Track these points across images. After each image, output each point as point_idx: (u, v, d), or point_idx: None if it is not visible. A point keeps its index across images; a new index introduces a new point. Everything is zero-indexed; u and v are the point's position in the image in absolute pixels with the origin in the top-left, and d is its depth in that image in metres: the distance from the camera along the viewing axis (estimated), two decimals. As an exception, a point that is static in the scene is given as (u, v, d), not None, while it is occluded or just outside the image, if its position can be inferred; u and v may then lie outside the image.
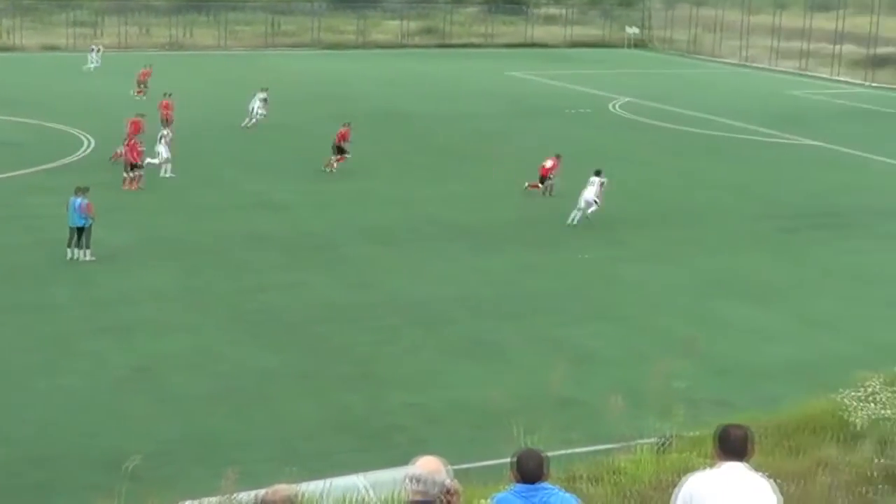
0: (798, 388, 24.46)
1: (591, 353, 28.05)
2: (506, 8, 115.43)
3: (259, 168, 48.39)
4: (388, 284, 32.93)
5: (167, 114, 54.67)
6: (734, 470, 8.95)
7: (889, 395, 17.30)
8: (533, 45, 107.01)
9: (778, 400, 23.31)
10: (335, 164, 47.55)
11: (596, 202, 40.40)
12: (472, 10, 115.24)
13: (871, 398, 17.12)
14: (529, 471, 8.96)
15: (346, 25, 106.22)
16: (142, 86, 67.39)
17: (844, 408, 17.12)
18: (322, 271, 34.18)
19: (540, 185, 44.72)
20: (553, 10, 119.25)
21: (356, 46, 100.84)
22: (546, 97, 72.05)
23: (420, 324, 29.76)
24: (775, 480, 13.95)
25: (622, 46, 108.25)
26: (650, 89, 76.74)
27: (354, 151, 48.71)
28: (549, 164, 45.19)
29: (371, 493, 16.39)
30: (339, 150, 48.02)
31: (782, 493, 13.58)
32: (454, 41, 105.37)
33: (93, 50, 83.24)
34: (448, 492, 8.27)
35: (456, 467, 17.30)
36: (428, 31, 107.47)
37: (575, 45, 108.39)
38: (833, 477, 14.47)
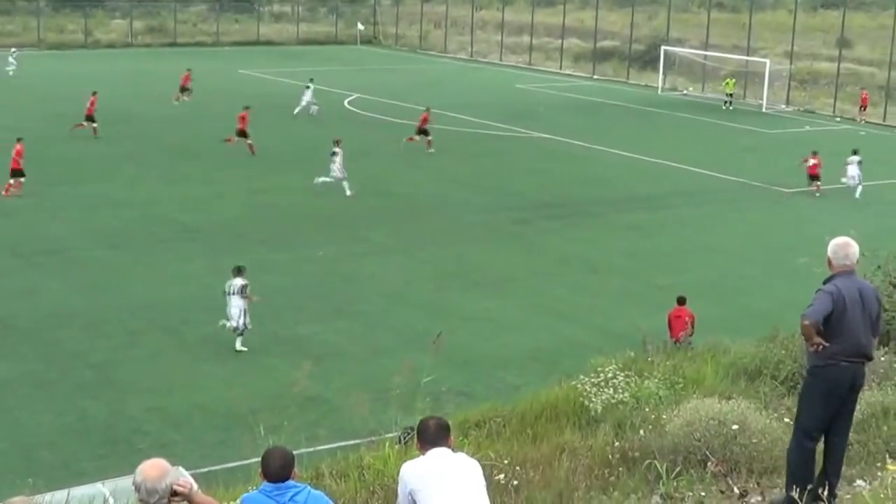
0: (537, 376, 25.01)
1: (333, 349, 28.09)
2: (234, 6, 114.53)
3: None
4: (124, 288, 32.29)
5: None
6: (440, 453, 9.53)
7: (624, 379, 17.76)
8: (263, 42, 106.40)
9: (518, 388, 23.77)
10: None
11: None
12: (199, 8, 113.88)
13: (607, 383, 17.54)
14: (275, 470, 8.93)
15: (71, 25, 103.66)
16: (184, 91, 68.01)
17: (583, 394, 17.50)
18: (56, 276, 33.32)
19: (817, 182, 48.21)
20: (282, 8, 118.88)
21: (82, 46, 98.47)
22: (278, 95, 71.69)
23: (159, 327, 29.32)
24: (518, 468, 14.25)
25: (352, 43, 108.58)
26: (381, 86, 77.16)
27: (81, 153, 47.62)
28: (812, 161, 48.75)
29: (113, 501, 16.02)
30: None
31: (524, 481, 13.88)
32: (182, 40, 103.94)
33: (12, 54, 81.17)
34: (174, 493, 8.07)
35: (201, 470, 17.13)
36: (155, 29, 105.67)
37: (305, 42, 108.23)
38: (574, 462, 14.75)
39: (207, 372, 26.37)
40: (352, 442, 17.62)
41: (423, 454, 9.58)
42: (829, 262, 12.07)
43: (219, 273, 33.64)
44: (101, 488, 15.92)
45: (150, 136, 55.91)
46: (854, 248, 12.05)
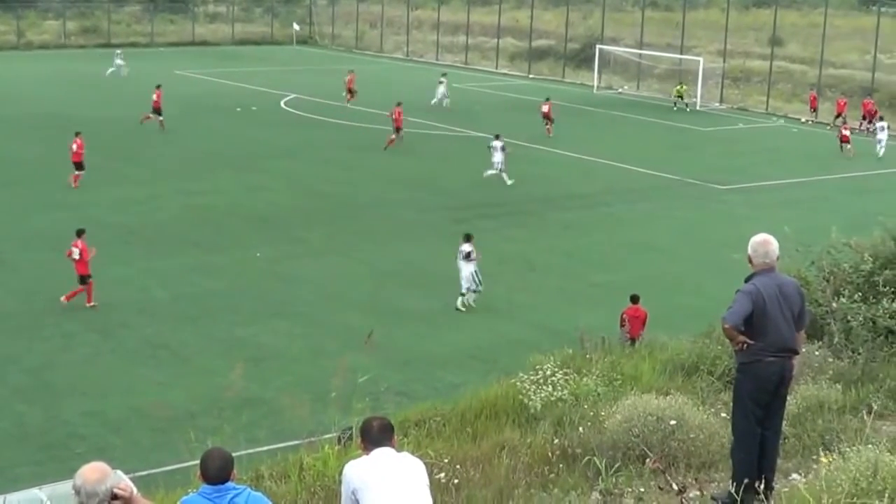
0: (476, 374, 25.11)
1: (271, 350, 28.03)
2: (168, 6, 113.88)
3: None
4: (59, 291, 31.94)
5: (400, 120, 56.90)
6: (384, 453, 9.49)
7: (562, 376, 17.85)
8: (198, 43, 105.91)
9: (457, 387, 23.84)
10: None
11: None
12: (133, 8, 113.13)
13: (546, 381, 17.63)
14: (214, 472, 8.87)
15: (2, 26, 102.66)
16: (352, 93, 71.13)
17: (522, 392, 17.58)
18: (-12, 280, 33.01)
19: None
20: (217, 8, 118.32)
21: (14, 48, 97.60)
22: (214, 96, 71.45)
23: (95, 330, 29.11)
24: (458, 466, 14.28)
25: (288, 43, 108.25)
26: (317, 86, 76.95)
27: (13, 156, 47.20)
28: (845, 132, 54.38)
29: (50, 506, 15.90)
30: None
31: (465, 479, 13.91)
32: (117, 41, 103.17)
33: (118, 56, 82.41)
34: (114, 497, 8.00)
35: (140, 474, 17.04)
36: (89, 30, 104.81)
37: (241, 42, 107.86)
38: (513, 459, 14.81)
39: (144, 375, 26.20)
40: (291, 443, 17.60)
41: (367, 454, 9.57)
42: (750, 260, 12.18)
43: (155, 275, 33.51)
44: (39, 494, 15.80)
45: (84, 138, 55.40)
46: (773, 245, 12.14)
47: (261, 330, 29.51)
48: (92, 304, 31.02)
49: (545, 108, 61.31)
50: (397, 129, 55.69)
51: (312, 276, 34.38)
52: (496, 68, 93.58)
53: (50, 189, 44.46)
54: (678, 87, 77.30)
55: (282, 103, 69.88)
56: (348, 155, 53.80)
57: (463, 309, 31.76)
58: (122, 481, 8.12)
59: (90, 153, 45.96)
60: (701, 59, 77.88)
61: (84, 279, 31.24)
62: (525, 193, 46.74)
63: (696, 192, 48.24)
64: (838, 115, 68.60)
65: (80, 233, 31.81)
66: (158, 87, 59.58)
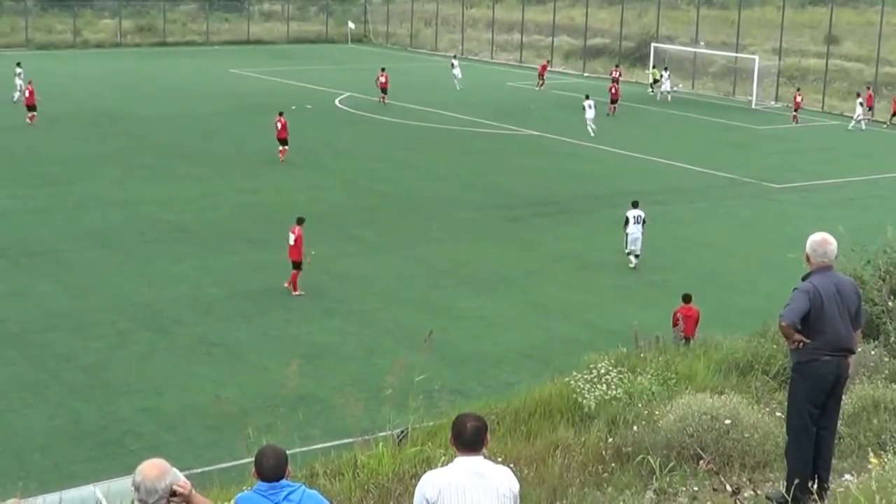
0: (530, 373, 25.09)
1: (325, 348, 28.08)
2: (223, 5, 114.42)
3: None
4: (114, 289, 32.23)
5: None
6: (469, 465, 8.88)
7: (616, 375, 17.82)
8: (253, 41, 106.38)
9: (511, 386, 23.85)
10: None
11: None
12: (188, 7, 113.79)
13: (600, 380, 17.61)
14: (269, 469, 8.88)
15: (59, 25, 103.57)
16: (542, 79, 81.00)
17: (576, 390, 17.56)
18: (43, 278, 33.20)
19: None
20: (272, 7, 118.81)
21: (70, 46, 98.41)
22: (269, 94, 71.64)
23: (150, 327, 29.26)
24: (512, 465, 14.27)
25: (343, 42, 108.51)
26: (372, 84, 77.02)
27: (68, 154, 47.42)
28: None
29: (106, 503, 16.02)
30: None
31: (519, 477, 13.91)
32: (172, 39, 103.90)
33: (454, 65, 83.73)
34: (173, 494, 8.04)
35: (195, 471, 17.12)
36: (144, 29, 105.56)
37: (296, 41, 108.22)
38: (567, 458, 14.81)
39: (199, 372, 26.33)
40: (345, 441, 17.63)
41: (454, 457, 9.02)
42: (808, 259, 12.09)
43: (209, 273, 33.65)
44: (94, 490, 15.91)
45: (137, 136, 55.83)
46: (833, 244, 12.05)
47: (315, 328, 29.59)
48: (298, 293, 32.12)
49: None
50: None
51: (366, 275, 34.43)
52: (551, 66, 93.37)
53: (102, 187, 44.75)
54: (652, 70, 77.76)
55: (336, 102, 70.06)
56: (403, 153, 53.87)
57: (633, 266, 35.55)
58: (181, 479, 8.18)
59: (145, 151, 46.20)
60: (756, 58, 77.42)
61: (297, 265, 32.31)
62: (578, 192, 46.66)
63: (751, 191, 47.97)
64: (895, 115, 67.98)
65: (300, 220, 32.90)
66: (383, 69, 69.70)
